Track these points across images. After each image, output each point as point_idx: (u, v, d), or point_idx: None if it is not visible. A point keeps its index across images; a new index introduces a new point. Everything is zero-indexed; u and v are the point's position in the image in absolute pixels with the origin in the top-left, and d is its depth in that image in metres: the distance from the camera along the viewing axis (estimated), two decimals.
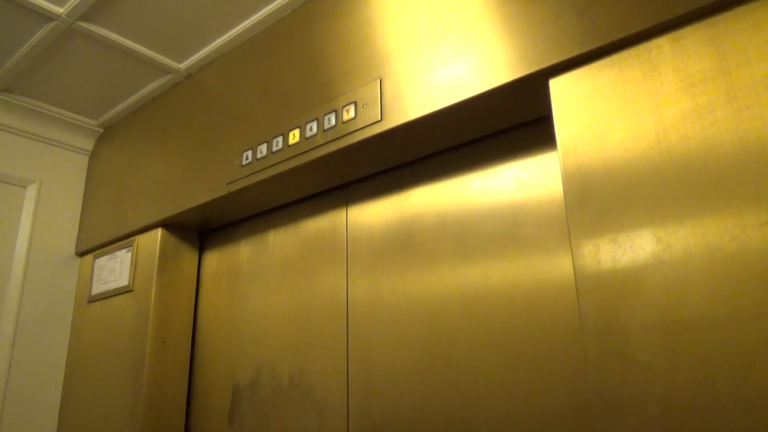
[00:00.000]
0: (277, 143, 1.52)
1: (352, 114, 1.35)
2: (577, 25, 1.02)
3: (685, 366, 0.81)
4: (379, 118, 1.29)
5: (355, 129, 1.33)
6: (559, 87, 1.04)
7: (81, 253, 2.20)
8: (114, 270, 2.01)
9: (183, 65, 1.91)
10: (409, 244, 1.42)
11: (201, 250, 2.01)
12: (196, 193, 1.74)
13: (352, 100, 1.36)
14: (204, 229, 1.99)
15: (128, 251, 1.97)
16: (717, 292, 0.81)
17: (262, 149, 1.56)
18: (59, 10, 1.61)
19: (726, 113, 0.85)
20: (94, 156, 2.33)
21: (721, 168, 0.83)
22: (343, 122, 1.36)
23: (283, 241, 1.75)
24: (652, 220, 0.88)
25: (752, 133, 0.82)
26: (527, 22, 1.09)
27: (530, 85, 1.09)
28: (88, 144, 2.34)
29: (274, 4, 1.63)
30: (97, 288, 2.06)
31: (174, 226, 1.92)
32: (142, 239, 1.95)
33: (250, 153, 1.59)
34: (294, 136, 1.48)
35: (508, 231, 1.25)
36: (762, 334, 0.76)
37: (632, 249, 0.89)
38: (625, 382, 0.86)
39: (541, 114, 1.21)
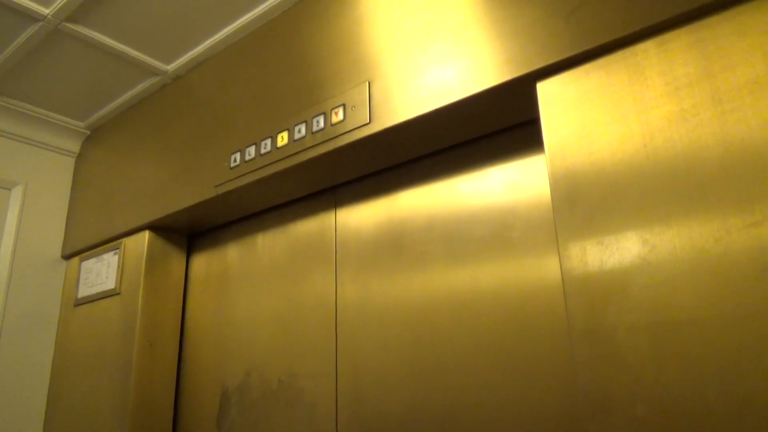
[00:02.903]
0: (266, 145, 1.51)
1: (340, 116, 1.35)
2: (565, 29, 1.02)
3: (672, 367, 0.81)
4: (368, 121, 1.28)
5: (343, 131, 1.33)
6: (546, 90, 1.05)
7: (67, 256, 2.18)
8: (101, 273, 1.99)
9: (171, 67, 1.90)
10: (398, 246, 1.42)
11: (189, 253, 2.00)
12: (184, 195, 1.73)
13: (341, 102, 1.36)
14: (192, 231, 1.97)
15: (115, 254, 1.96)
16: (703, 294, 0.81)
17: (251, 151, 1.55)
18: (45, 11, 1.60)
19: (711, 116, 0.86)
20: (80, 158, 2.31)
21: (706, 171, 0.84)
22: (332, 125, 1.36)
23: (271, 244, 1.74)
24: (639, 223, 0.89)
25: (736, 136, 0.83)
26: (515, 25, 1.10)
27: (518, 88, 1.10)
28: (75, 146, 2.32)
29: (263, 6, 1.62)
30: (84, 291, 2.04)
31: (161, 228, 1.91)
32: (129, 242, 1.93)
33: (238, 155, 1.59)
34: (282, 139, 1.47)
35: (496, 233, 1.25)
36: (748, 334, 0.77)
37: (619, 251, 0.90)
38: (613, 383, 0.86)
39: (529, 117, 1.21)
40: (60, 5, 1.57)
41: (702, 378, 0.79)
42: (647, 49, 0.94)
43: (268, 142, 1.51)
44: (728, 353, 0.77)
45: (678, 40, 0.91)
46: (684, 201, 0.85)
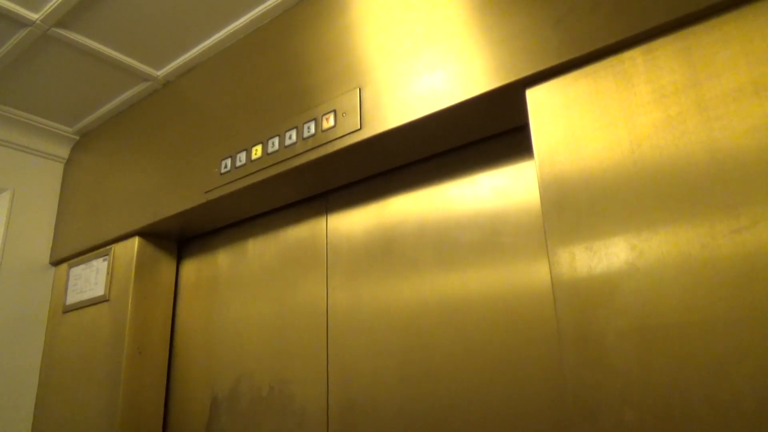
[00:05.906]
0: (256, 151, 1.51)
1: (331, 122, 1.35)
2: (553, 37, 1.03)
3: (660, 372, 0.82)
4: (359, 127, 1.29)
5: (334, 137, 1.33)
6: (535, 97, 1.06)
7: (56, 262, 2.16)
8: (90, 279, 1.98)
9: (161, 72, 1.89)
10: (388, 252, 1.42)
11: (179, 259, 1.99)
12: (174, 201, 1.72)
13: (332, 108, 1.36)
14: (182, 237, 1.97)
15: (104, 260, 1.94)
16: (690, 299, 0.82)
17: (241, 157, 1.55)
18: (34, 16, 1.59)
19: (696, 124, 0.87)
20: (69, 163, 2.30)
21: (692, 177, 0.85)
22: (323, 131, 1.36)
23: (262, 250, 1.74)
24: (627, 228, 0.90)
25: (722, 143, 0.84)
26: (504, 33, 1.11)
27: (508, 94, 1.11)
28: (64, 151, 2.30)
29: (254, 12, 1.62)
30: (73, 298, 2.02)
31: (151, 234, 1.90)
32: (118, 248, 1.92)
33: (228, 161, 1.58)
34: (273, 145, 1.47)
35: (486, 239, 1.26)
36: (734, 339, 0.77)
37: (607, 257, 0.91)
38: (601, 388, 0.87)
39: (519, 123, 1.22)
40: (49, 10, 1.56)
41: (689, 382, 0.80)
42: (634, 56, 0.95)
43: (259, 148, 1.51)
44: (715, 357, 0.78)
45: (664, 48, 0.92)
46: (671, 207, 0.86)
